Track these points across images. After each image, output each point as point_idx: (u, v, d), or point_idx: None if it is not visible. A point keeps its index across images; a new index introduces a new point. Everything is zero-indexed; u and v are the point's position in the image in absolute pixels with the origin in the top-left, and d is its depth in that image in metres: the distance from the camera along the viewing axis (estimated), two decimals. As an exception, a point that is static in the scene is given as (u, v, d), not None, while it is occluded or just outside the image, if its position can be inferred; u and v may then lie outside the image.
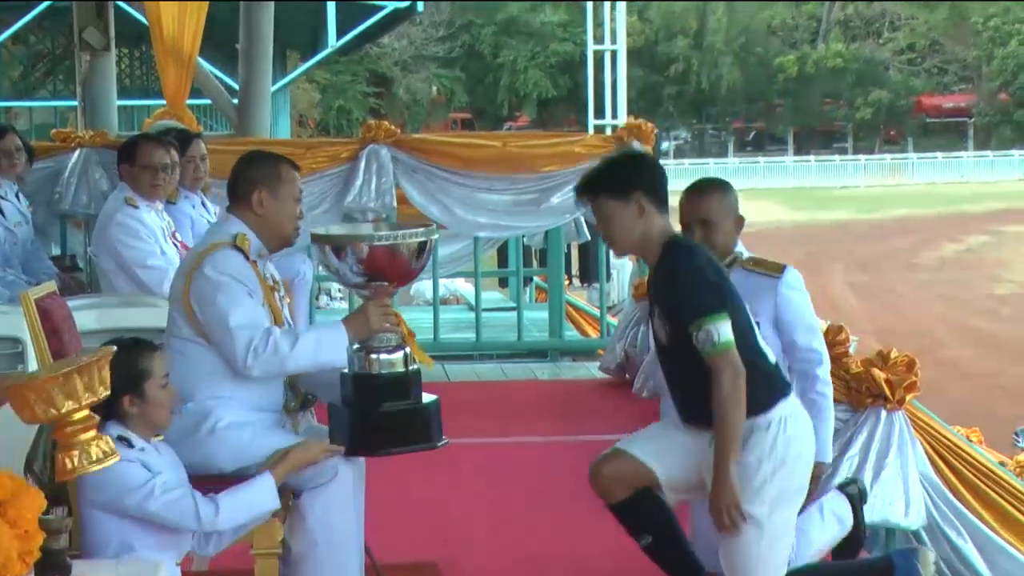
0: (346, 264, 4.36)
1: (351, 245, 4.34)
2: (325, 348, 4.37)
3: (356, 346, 4.43)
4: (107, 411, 3.93)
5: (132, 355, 4.04)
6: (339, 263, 4.37)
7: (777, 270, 4.85)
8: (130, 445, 3.97)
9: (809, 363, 4.84)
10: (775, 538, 4.23)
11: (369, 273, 4.38)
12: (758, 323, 4.71)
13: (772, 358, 4.37)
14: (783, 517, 4.25)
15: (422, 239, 4.39)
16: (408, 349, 4.48)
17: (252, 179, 4.52)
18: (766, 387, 4.25)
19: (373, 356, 4.41)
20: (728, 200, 4.87)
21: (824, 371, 4.88)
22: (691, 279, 4.16)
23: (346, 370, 4.45)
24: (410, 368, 4.46)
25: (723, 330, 4.09)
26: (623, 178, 4.28)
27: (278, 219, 4.53)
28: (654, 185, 4.28)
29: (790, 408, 4.29)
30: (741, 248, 4.94)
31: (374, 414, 4.39)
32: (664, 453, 4.42)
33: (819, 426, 4.60)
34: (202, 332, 4.39)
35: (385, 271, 4.39)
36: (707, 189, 4.90)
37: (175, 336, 4.47)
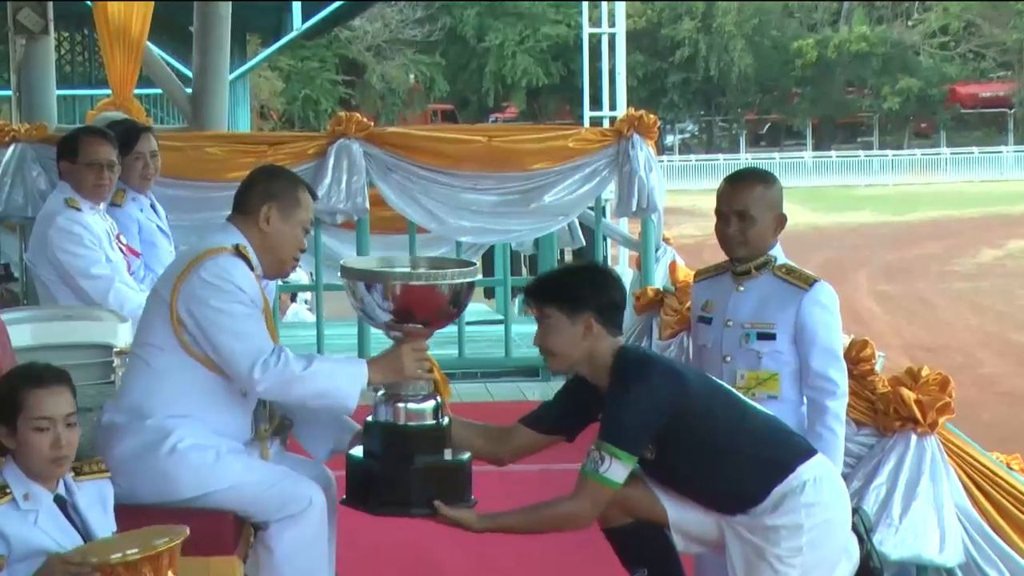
0: (375, 301, 4.34)
1: (384, 282, 4.33)
2: (339, 382, 4.34)
3: (382, 392, 4.41)
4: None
5: (14, 381, 3.99)
6: (369, 297, 4.34)
7: (806, 282, 4.87)
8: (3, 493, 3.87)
9: (820, 392, 4.84)
10: None
11: (400, 314, 4.35)
12: (774, 335, 4.74)
13: (784, 423, 4.51)
14: None
15: (467, 280, 4.39)
16: (440, 398, 4.48)
17: (266, 193, 4.54)
18: (785, 447, 4.37)
19: (401, 405, 4.40)
20: (771, 194, 4.93)
21: (838, 405, 4.86)
22: (629, 402, 4.28)
23: (370, 418, 4.43)
24: (441, 420, 4.46)
25: (615, 471, 4.24)
26: (576, 294, 4.37)
27: (282, 242, 4.54)
28: (609, 309, 4.40)
29: (821, 469, 4.37)
30: (778, 251, 4.96)
31: (406, 471, 4.38)
32: (681, 499, 4.45)
33: None
34: (185, 342, 4.37)
35: (419, 312, 4.37)
36: (749, 179, 4.95)
37: (146, 344, 4.46)
